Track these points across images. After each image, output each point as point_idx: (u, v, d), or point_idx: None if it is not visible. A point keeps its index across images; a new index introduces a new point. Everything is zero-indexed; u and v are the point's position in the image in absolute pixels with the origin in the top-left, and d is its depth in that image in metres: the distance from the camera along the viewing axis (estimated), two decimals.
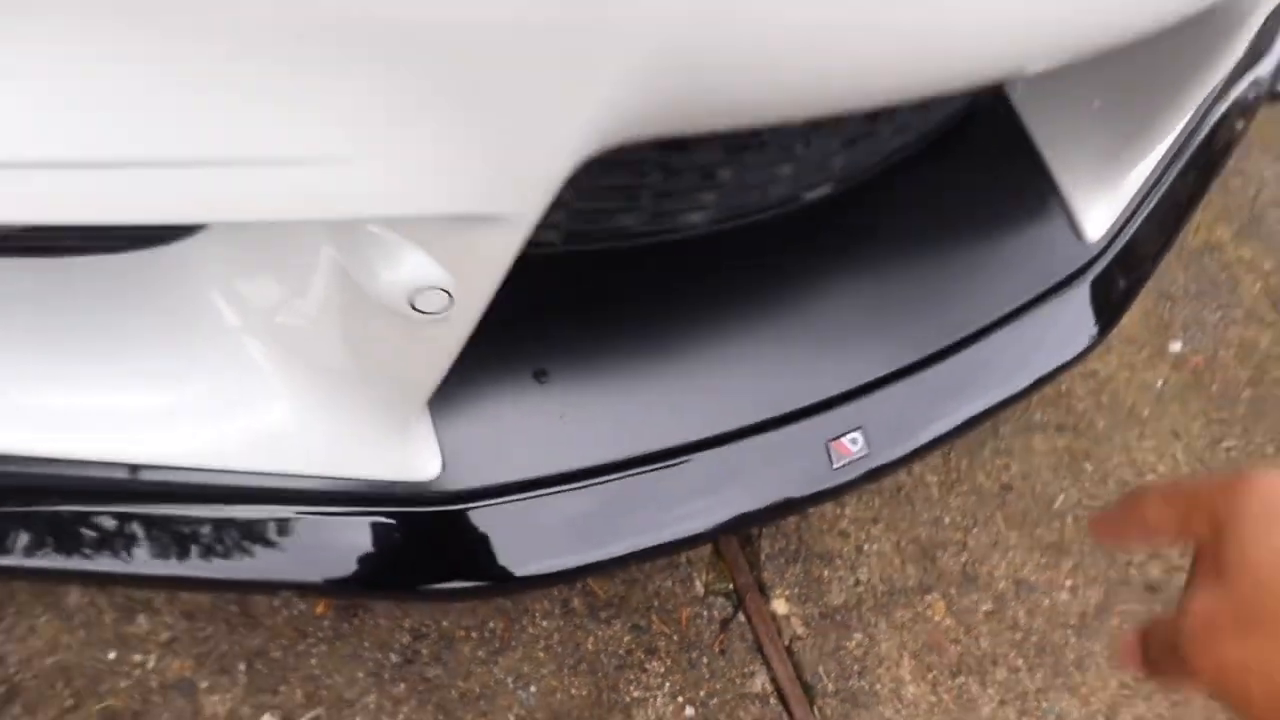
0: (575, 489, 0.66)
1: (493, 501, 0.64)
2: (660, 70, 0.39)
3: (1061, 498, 0.95)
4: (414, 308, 0.47)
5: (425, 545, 0.64)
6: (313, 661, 0.78)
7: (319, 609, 0.80)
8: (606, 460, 0.66)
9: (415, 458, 0.62)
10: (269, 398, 0.58)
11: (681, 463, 0.68)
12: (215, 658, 0.77)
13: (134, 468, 0.61)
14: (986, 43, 0.49)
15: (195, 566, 0.63)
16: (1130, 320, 1.06)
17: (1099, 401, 1.01)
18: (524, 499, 0.65)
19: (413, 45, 0.38)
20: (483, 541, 0.64)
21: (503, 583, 0.65)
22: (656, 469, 0.68)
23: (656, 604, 0.84)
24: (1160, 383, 1.05)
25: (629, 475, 0.67)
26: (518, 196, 0.43)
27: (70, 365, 0.59)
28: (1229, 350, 1.09)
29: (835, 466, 0.71)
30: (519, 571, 0.65)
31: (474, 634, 0.80)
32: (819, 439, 0.71)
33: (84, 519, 0.63)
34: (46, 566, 0.63)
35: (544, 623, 0.82)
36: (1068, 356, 0.81)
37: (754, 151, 0.62)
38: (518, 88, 0.39)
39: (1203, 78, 0.74)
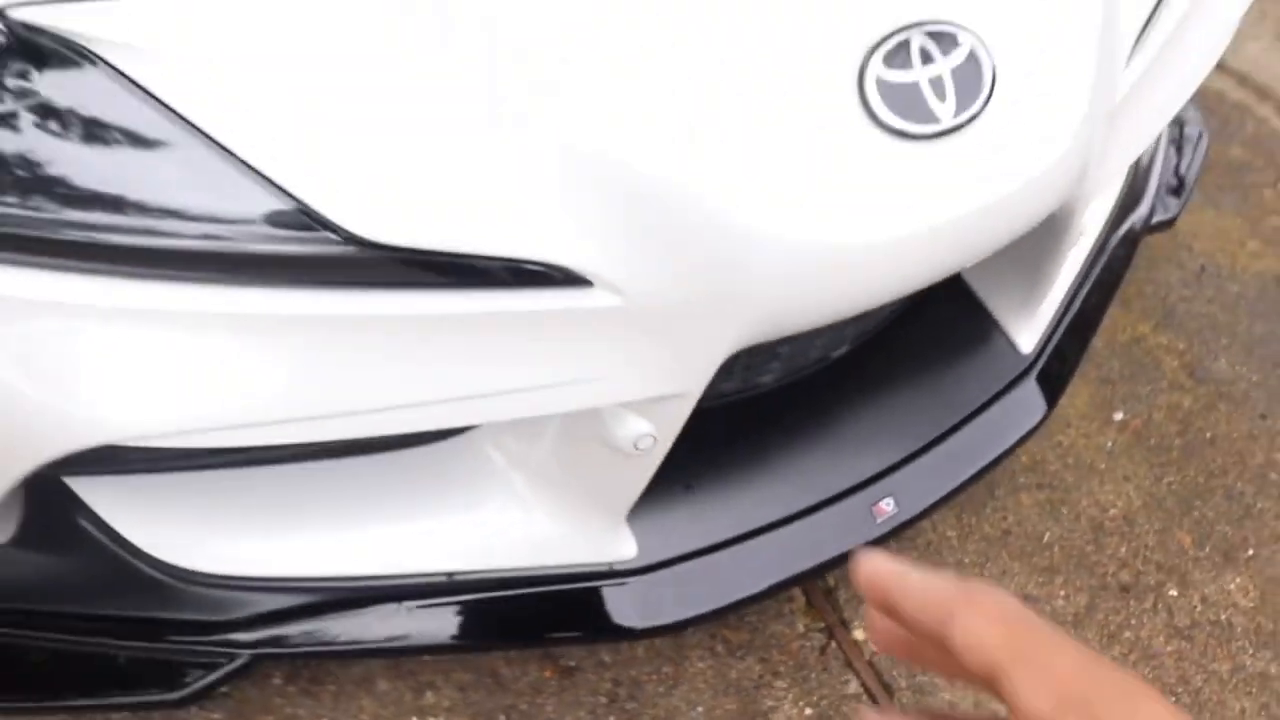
0: (713, 555, 1.04)
1: (665, 568, 1.03)
2: (762, 319, 0.80)
3: (1047, 534, 1.32)
4: (635, 448, 0.87)
5: (631, 600, 1.02)
6: (548, 708, 1.15)
7: (547, 673, 1.17)
8: (731, 535, 1.05)
9: (622, 545, 1.01)
10: (528, 514, 0.98)
11: (780, 531, 1.07)
12: (484, 713, 1.15)
13: (449, 574, 1.00)
14: (941, 262, 0.90)
15: (492, 634, 1.01)
16: (1080, 402, 1.45)
17: (1066, 463, 1.39)
18: (683, 564, 1.03)
19: (641, 320, 0.79)
20: (666, 594, 1.03)
21: (685, 621, 1.03)
22: (763, 537, 1.06)
23: (774, 642, 1.21)
24: (1110, 444, 1.43)
25: (746, 542, 1.05)
26: (693, 383, 0.83)
27: (400, 508, 0.99)
28: (1160, 413, 1.47)
29: (878, 523, 1.10)
30: (691, 613, 1.03)
31: (653, 676, 1.18)
32: (866, 505, 1.09)
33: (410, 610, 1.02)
34: (391, 646, 1.02)
35: (699, 663, 1.19)
36: (1025, 430, 1.20)
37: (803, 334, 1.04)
38: (698, 332, 0.81)
39: (1070, 236, 1.15)
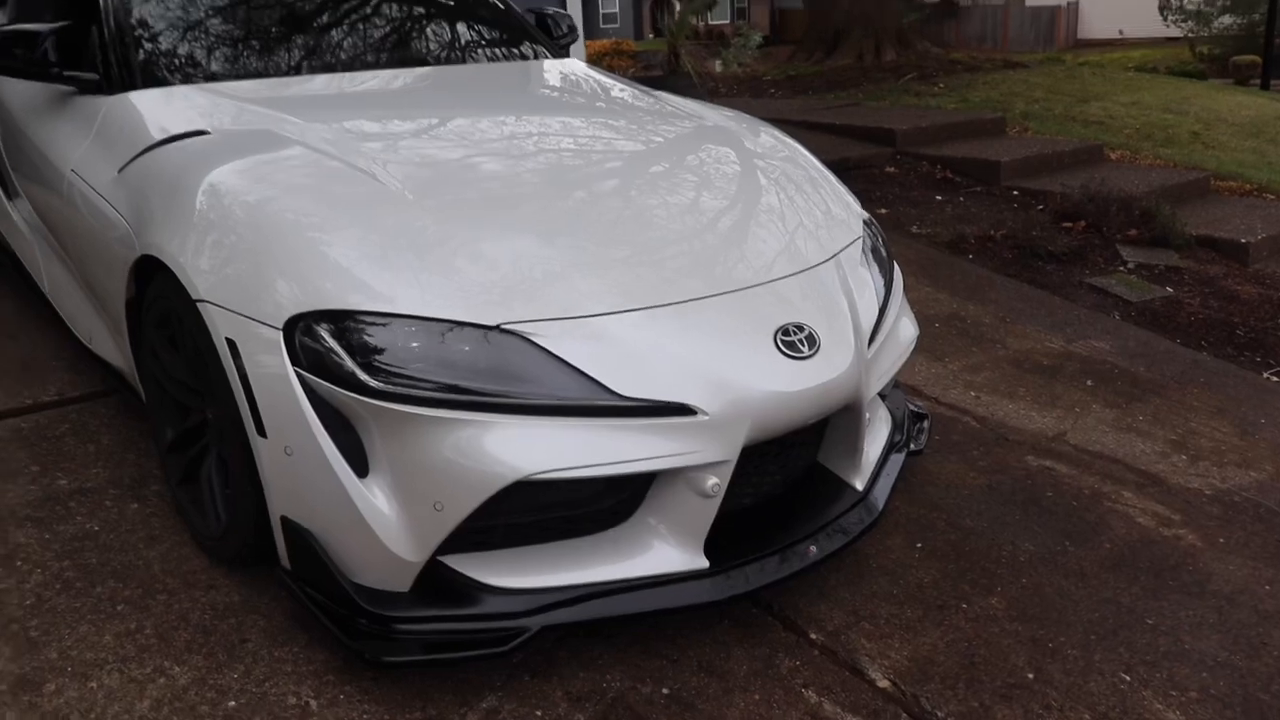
0: (745, 566, 2.26)
1: (728, 571, 2.23)
2: (756, 426, 2.14)
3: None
4: (711, 491, 2.14)
5: (710, 586, 2.20)
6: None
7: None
8: (746, 559, 2.27)
9: (699, 561, 2.21)
10: (664, 544, 2.19)
11: (773, 556, 2.30)
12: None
13: (627, 580, 2.18)
14: (818, 405, 2.26)
15: (639, 608, 2.17)
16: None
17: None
18: (732, 569, 2.24)
19: (713, 425, 2.10)
20: (724, 584, 2.22)
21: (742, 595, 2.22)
22: (766, 559, 2.29)
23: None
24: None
25: (760, 560, 2.28)
26: (732, 453, 2.12)
27: (608, 552, 2.19)
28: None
29: (809, 556, 2.34)
30: (738, 591, 2.22)
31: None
32: (805, 546, 2.34)
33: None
34: (597, 616, 2.16)
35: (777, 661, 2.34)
36: (864, 526, 2.49)
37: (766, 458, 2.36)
38: (733, 430, 2.12)
39: (862, 425, 2.54)
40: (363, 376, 1.99)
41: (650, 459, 2.07)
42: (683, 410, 2.09)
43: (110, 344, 3.07)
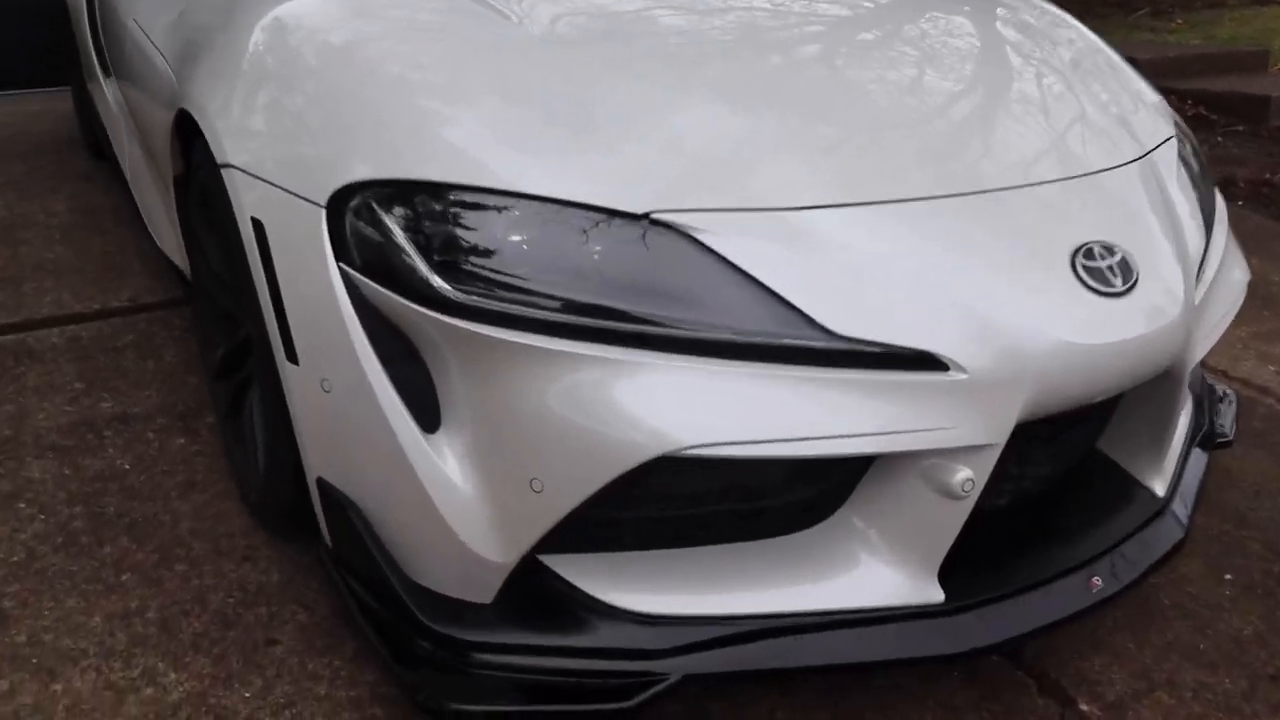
0: (1000, 604, 1.48)
1: (968, 610, 1.46)
2: (1037, 396, 1.35)
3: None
4: (961, 490, 1.36)
5: (943, 631, 1.44)
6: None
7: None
8: (1003, 593, 1.49)
9: (930, 592, 1.45)
10: (875, 558, 1.43)
11: (1024, 596, 1.52)
12: None
13: (820, 613, 1.43)
14: (1121, 372, 1.45)
15: (846, 656, 1.42)
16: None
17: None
18: (980, 607, 1.47)
19: (973, 390, 1.33)
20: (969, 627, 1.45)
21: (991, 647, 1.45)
22: (1023, 596, 1.51)
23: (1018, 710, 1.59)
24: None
25: (1027, 594, 1.49)
26: (999, 436, 1.35)
27: (785, 564, 1.44)
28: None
29: (1093, 592, 1.55)
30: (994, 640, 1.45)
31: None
32: (1085, 578, 1.55)
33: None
34: (777, 666, 1.42)
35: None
36: (1169, 548, 1.67)
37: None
38: (1003, 400, 1.34)
39: (1180, 399, 1.71)
40: (438, 282, 1.29)
41: (872, 435, 1.30)
42: (927, 363, 1.32)
43: (171, 237, 2.48)
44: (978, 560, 1.54)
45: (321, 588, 1.75)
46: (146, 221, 2.87)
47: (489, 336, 1.27)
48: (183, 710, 1.50)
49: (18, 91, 5.55)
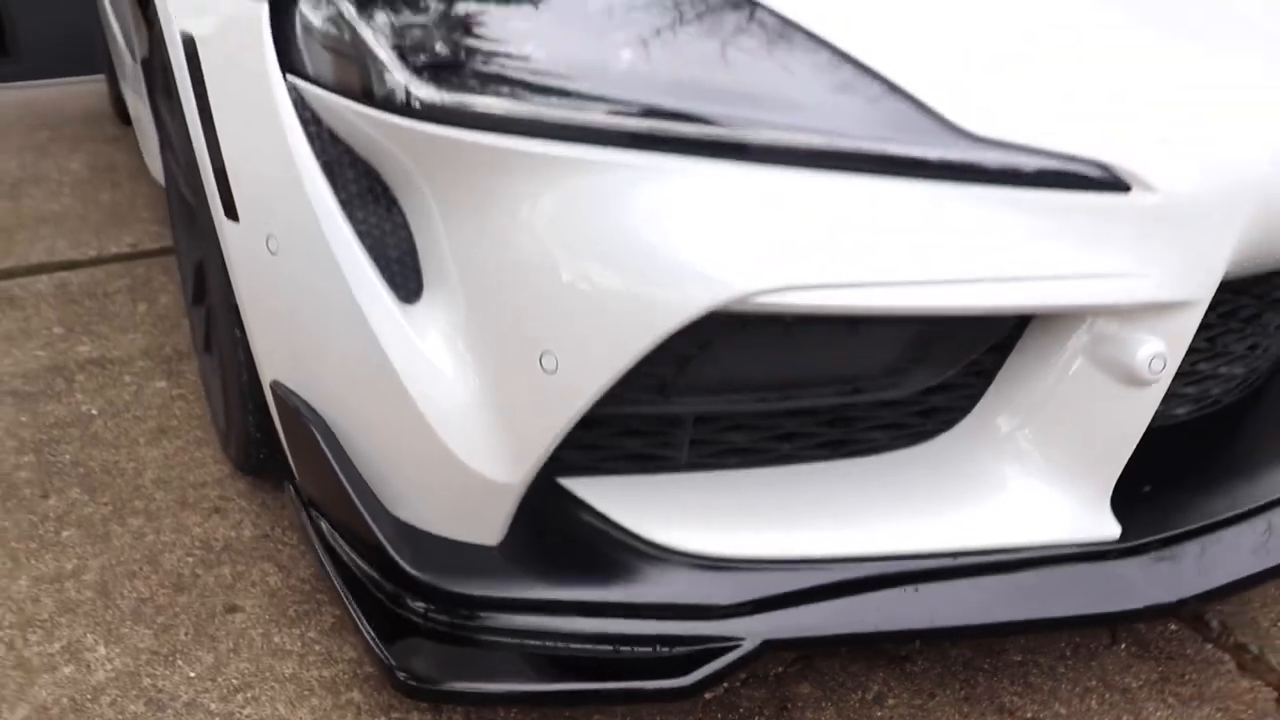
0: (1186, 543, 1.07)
1: (1147, 551, 1.05)
2: (1255, 234, 0.93)
3: None
4: (1149, 370, 0.95)
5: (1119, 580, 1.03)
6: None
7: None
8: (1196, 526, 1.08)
9: (1103, 525, 1.04)
10: (1027, 477, 1.03)
11: (1232, 528, 1.10)
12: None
13: (954, 552, 1.03)
14: None
15: (997, 614, 1.02)
16: None
17: None
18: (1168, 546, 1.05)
19: (1165, 219, 0.91)
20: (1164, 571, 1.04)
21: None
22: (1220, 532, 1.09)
23: (1227, 695, 1.17)
24: None
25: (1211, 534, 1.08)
26: (1201, 292, 0.93)
27: (905, 495, 1.05)
28: None
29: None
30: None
31: None
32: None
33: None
34: (897, 630, 1.02)
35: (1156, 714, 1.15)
36: None
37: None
38: (1208, 239, 0.92)
39: None
40: (416, 88, 0.92)
41: (1023, 281, 0.90)
42: (1100, 179, 0.91)
43: (154, 150, 2.15)
44: (1147, 489, 1.13)
45: (302, 544, 1.40)
46: (141, 147, 2.58)
47: (483, 144, 0.89)
48: (106, 694, 1.15)
49: (60, 80, 5.32)
